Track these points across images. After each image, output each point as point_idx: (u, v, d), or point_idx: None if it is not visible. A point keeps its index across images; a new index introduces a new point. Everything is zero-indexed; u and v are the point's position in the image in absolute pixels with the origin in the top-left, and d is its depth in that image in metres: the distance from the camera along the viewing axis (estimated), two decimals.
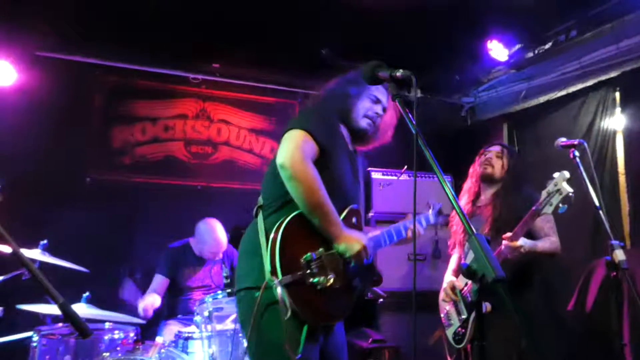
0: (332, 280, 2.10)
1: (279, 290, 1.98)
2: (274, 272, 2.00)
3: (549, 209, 2.74)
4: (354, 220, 2.32)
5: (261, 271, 2.06)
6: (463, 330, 3.17)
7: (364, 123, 2.47)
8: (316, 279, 2.07)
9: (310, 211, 2.10)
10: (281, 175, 2.10)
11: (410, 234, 2.63)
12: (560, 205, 2.71)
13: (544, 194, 2.78)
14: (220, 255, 4.25)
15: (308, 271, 2.06)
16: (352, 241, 2.17)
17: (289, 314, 1.98)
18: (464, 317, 3.19)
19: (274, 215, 2.18)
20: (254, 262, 2.12)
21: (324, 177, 2.12)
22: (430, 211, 3.09)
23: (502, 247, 2.92)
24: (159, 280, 4.12)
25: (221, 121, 5.31)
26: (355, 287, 2.27)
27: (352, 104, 2.45)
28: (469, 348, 3.20)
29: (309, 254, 2.08)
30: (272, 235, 2.06)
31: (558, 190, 2.72)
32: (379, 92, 2.50)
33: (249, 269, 2.17)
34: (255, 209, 2.26)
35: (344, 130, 2.44)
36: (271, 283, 2.00)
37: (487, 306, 2.98)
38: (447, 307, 3.34)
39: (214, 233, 4.15)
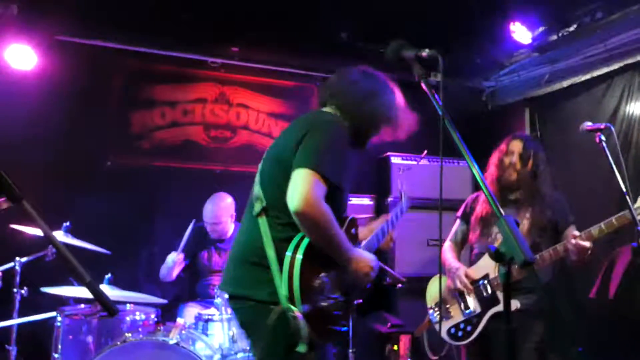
0: (340, 303, 2.13)
1: (299, 320, 1.93)
2: (292, 300, 1.94)
3: None
4: (352, 231, 2.30)
5: (271, 285, 1.99)
6: (469, 327, 2.98)
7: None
8: (327, 303, 2.07)
9: (324, 246, 2.04)
10: (295, 220, 1.98)
11: (388, 240, 2.62)
12: None
13: None
14: (226, 230, 4.17)
15: (321, 297, 2.05)
16: (362, 264, 2.16)
17: (305, 343, 1.94)
18: (472, 311, 2.98)
19: (285, 227, 2.05)
20: (260, 273, 2.04)
21: (332, 205, 2.02)
22: (403, 200, 3.02)
23: (569, 245, 2.73)
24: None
25: (240, 105, 5.30)
26: (353, 302, 2.32)
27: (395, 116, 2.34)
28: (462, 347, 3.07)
29: (322, 279, 2.06)
30: (288, 259, 1.98)
31: None
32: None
33: (254, 279, 2.07)
34: (259, 209, 2.11)
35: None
36: (289, 312, 1.94)
37: (516, 304, 2.79)
38: (444, 298, 3.13)
39: (210, 202, 4.13)
